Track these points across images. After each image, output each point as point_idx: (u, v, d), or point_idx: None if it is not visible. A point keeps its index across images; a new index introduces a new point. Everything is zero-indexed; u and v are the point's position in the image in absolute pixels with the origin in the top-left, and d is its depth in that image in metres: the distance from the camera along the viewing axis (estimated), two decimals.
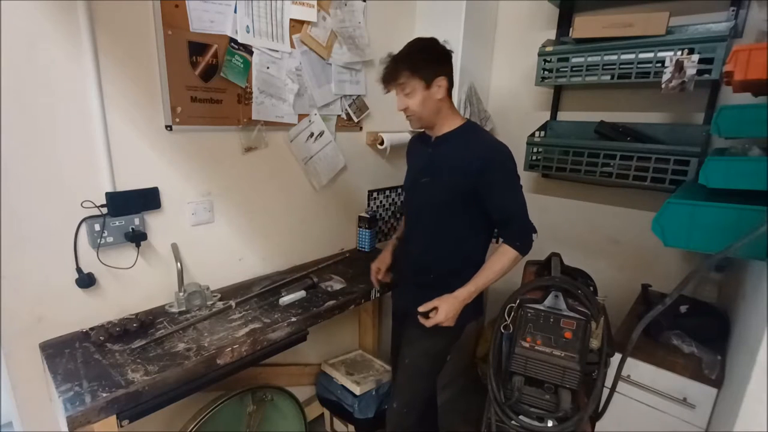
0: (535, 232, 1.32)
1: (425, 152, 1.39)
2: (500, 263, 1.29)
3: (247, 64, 1.46)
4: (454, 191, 1.29)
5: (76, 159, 1.17)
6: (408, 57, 1.24)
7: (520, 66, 2.07)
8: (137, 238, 1.29)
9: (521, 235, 1.29)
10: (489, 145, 1.29)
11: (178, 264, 1.36)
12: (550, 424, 1.12)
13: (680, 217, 1.01)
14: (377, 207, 2.17)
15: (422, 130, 1.40)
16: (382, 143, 1.95)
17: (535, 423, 1.12)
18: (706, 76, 1.39)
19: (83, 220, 1.20)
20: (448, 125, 1.32)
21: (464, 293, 1.28)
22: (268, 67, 1.52)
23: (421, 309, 1.31)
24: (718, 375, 1.22)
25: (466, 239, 1.35)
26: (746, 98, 1.25)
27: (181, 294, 1.36)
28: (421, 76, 1.22)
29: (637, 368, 1.32)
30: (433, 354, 1.40)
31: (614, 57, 1.55)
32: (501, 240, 1.32)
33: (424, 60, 1.23)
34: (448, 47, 1.29)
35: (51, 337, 1.19)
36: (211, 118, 1.41)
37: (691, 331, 1.38)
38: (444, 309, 1.27)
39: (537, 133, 1.89)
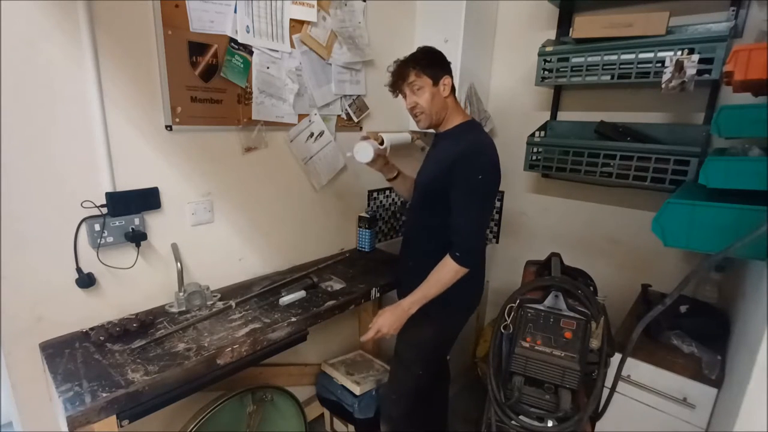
0: (481, 249, 1.29)
1: (431, 148, 1.46)
2: (438, 274, 1.28)
3: (247, 64, 1.46)
4: (430, 186, 1.35)
5: (76, 159, 1.17)
6: (415, 58, 1.32)
7: (520, 66, 2.07)
8: (137, 238, 1.29)
9: (461, 247, 1.26)
10: (469, 143, 1.28)
11: (178, 264, 1.36)
12: (550, 424, 1.11)
13: (680, 217, 1.01)
14: (377, 207, 2.17)
15: (429, 130, 1.42)
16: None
17: (535, 423, 1.12)
18: (706, 76, 1.39)
19: (83, 220, 1.20)
20: (451, 123, 1.37)
21: (406, 302, 1.31)
22: (268, 67, 1.52)
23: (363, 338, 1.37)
24: (718, 375, 1.22)
25: (437, 236, 1.33)
26: (746, 98, 1.25)
27: (181, 294, 1.36)
28: (428, 74, 1.30)
29: (637, 368, 1.32)
30: (415, 344, 1.42)
31: (614, 57, 1.55)
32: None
33: (430, 60, 1.32)
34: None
35: (51, 337, 1.19)
36: (211, 118, 1.41)
37: (691, 331, 1.38)
38: (382, 316, 1.33)
39: (537, 133, 1.89)
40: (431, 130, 1.43)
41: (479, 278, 1.47)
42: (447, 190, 1.27)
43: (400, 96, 1.38)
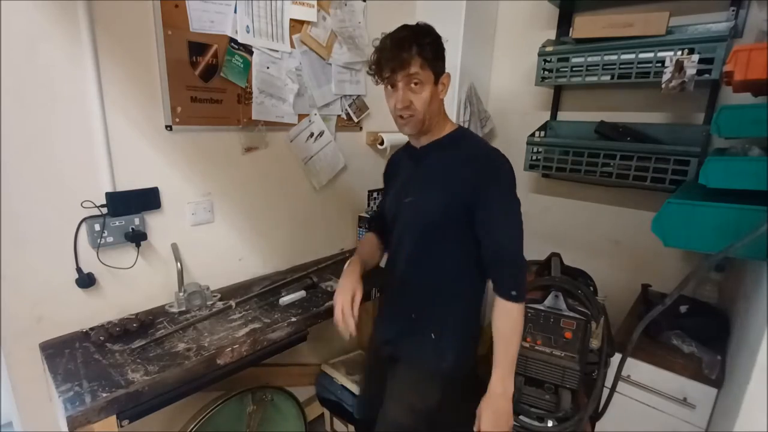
0: (526, 267, 1.05)
1: (407, 166, 1.18)
2: (508, 329, 1.00)
3: (247, 64, 1.46)
4: (442, 211, 1.05)
5: (76, 159, 1.17)
6: (420, 42, 0.98)
7: (520, 66, 2.07)
8: (137, 238, 1.29)
9: (514, 280, 1.00)
10: (486, 154, 1.06)
11: (178, 264, 1.36)
12: (550, 424, 1.12)
13: (680, 217, 1.01)
14: (377, 207, 2.17)
15: (409, 138, 1.19)
16: (382, 143, 1.95)
17: (535, 423, 1.12)
18: (706, 76, 1.39)
19: (83, 220, 1.20)
20: (438, 132, 1.10)
21: (497, 386, 1.01)
22: (268, 67, 1.52)
23: None
24: (718, 375, 1.22)
25: (457, 269, 1.10)
26: (746, 98, 1.26)
27: (181, 294, 1.36)
28: (432, 69, 1.00)
29: (637, 368, 1.32)
30: (420, 410, 1.13)
31: (614, 57, 1.55)
32: (492, 286, 1.04)
33: (437, 51, 1.01)
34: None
35: (51, 337, 1.19)
36: (211, 118, 1.41)
37: (691, 331, 1.38)
38: (483, 418, 1.01)
39: (537, 133, 1.89)
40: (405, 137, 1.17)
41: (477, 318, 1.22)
42: (468, 212, 1.03)
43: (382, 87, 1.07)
